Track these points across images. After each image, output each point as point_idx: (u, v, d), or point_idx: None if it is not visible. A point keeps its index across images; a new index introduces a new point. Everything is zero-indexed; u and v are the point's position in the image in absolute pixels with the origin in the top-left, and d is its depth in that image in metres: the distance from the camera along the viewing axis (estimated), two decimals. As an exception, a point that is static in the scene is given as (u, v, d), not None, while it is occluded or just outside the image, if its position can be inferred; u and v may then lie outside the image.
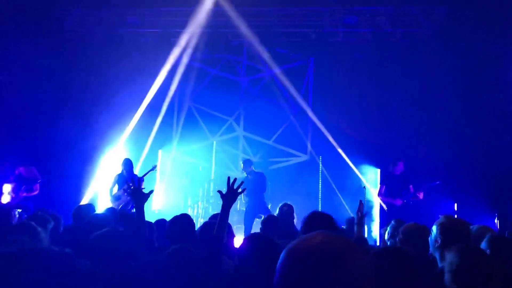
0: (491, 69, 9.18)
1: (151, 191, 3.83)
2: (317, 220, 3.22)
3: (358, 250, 1.16)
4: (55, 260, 2.00)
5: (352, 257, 1.14)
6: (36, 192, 8.51)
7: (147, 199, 3.79)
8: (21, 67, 10.06)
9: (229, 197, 3.42)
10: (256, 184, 8.69)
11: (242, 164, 9.07)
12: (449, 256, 2.55)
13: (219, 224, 3.27)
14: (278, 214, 5.40)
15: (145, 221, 3.82)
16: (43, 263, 1.95)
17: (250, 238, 2.93)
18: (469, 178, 9.06)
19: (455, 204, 9.09)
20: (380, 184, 8.59)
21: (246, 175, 8.85)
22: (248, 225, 8.45)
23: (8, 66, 10.23)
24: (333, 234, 1.19)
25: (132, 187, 3.78)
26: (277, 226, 4.59)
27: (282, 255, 1.18)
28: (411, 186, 8.22)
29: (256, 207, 8.61)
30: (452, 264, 2.49)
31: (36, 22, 10.12)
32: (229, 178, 3.49)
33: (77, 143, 10.08)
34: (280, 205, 5.62)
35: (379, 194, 8.51)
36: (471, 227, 3.72)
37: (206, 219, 9.44)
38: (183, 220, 3.88)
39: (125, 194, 8.35)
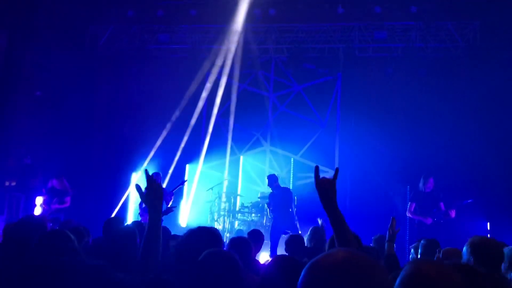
0: (526, 84, 8.93)
1: (174, 206, 3.72)
2: None
3: (380, 268, 1.15)
4: (91, 272, 2.01)
5: (373, 276, 1.12)
6: (67, 205, 8.68)
7: (163, 199, 2.95)
8: (56, 82, 10.40)
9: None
10: (282, 200, 8.61)
11: (267, 180, 9.01)
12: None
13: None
14: (309, 237, 5.18)
15: (160, 230, 2.91)
16: (80, 275, 1.96)
17: (277, 260, 2.72)
18: (503, 196, 8.77)
19: (488, 224, 8.79)
20: (410, 201, 8.38)
21: (271, 190, 8.80)
22: (274, 242, 8.37)
23: (44, 81, 10.59)
24: (354, 252, 1.17)
25: (150, 185, 2.85)
26: (301, 245, 4.53)
27: (303, 272, 1.16)
28: (442, 203, 7.99)
29: (282, 223, 8.52)
30: None
31: (72, 39, 10.49)
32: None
33: (108, 156, 10.31)
34: (311, 229, 5.41)
35: (409, 212, 8.30)
36: (504, 248, 3.58)
37: (233, 233, 9.51)
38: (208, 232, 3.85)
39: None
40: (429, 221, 7.87)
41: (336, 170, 2.74)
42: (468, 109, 9.27)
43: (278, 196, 8.61)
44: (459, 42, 10.15)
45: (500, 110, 9.06)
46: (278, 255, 2.91)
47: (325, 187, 2.52)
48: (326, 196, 2.48)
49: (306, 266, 1.17)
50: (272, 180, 8.84)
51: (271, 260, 2.80)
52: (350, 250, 1.18)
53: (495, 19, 9.15)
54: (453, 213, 7.76)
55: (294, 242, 4.60)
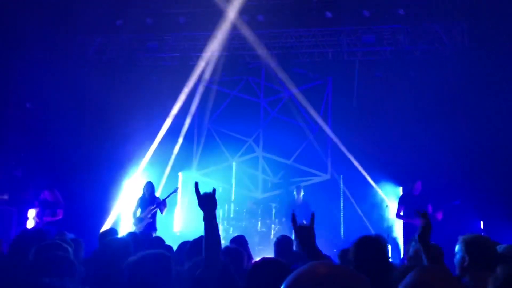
0: (514, 85, 9.03)
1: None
2: (369, 246, 2.93)
3: (364, 281, 1.11)
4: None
5: None
6: (59, 217, 8.60)
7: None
8: (46, 94, 10.33)
9: (207, 205, 2.98)
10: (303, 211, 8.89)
11: (296, 191, 9.66)
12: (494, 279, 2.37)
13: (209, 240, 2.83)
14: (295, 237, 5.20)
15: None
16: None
17: (262, 263, 2.71)
18: (496, 195, 8.83)
19: (481, 222, 8.84)
20: (398, 205, 8.41)
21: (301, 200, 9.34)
22: None
23: (34, 93, 10.52)
24: (337, 266, 1.14)
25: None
26: (290, 247, 4.51)
27: (284, 286, 1.13)
28: (430, 206, 8.04)
29: None
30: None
31: (60, 50, 10.43)
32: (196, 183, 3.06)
33: (100, 166, 10.25)
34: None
35: (397, 215, 8.34)
36: (498, 246, 3.60)
37: (227, 240, 9.48)
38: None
39: (148, 216, 8.42)
40: (417, 222, 7.89)
41: (312, 216, 2.87)
42: (458, 109, 9.34)
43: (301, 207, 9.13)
44: (447, 44, 10.25)
45: (489, 110, 9.14)
46: (264, 258, 2.89)
47: (303, 234, 2.73)
48: (305, 241, 2.70)
49: (287, 280, 1.13)
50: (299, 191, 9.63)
51: (254, 263, 2.78)
52: (332, 264, 1.15)
53: (482, 21, 9.24)
54: (439, 215, 7.81)
55: (284, 243, 4.56)
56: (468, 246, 3.06)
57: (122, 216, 10.50)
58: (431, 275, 1.19)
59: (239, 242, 4.95)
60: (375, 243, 2.95)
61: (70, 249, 3.34)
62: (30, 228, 7.27)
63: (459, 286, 1.16)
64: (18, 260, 3.35)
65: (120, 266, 3.61)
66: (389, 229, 9.14)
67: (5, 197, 9.39)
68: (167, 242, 5.30)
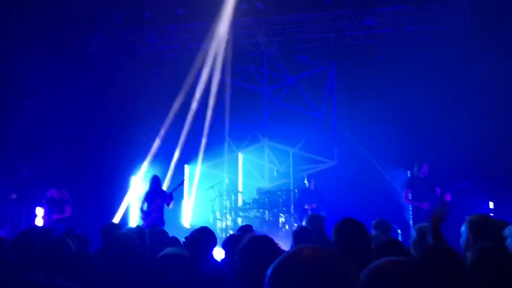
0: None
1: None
2: (349, 227, 3.10)
3: (349, 263, 1.12)
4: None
5: (343, 271, 1.09)
6: (67, 214, 8.66)
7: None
8: (49, 92, 10.35)
9: None
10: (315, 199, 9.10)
11: (307, 179, 9.74)
12: (468, 254, 2.43)
13: None
14: (307, 224, 5.27)
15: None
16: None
17: (253, 240, 2.67)
18: (505, 176, 8.75)
19: (491, 203, 8.76)
20: (405, 188, 8.34)
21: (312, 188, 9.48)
22: None
23: (36, 91, 10.54)
24: (322, 248, 1.14)
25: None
26: (310, 237, 4.50)
27: (270, 271, 1.13)
28: (437, 188, 7.97)
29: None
30: (470, 262, 2.37)
31: (61, 47, 10.42)
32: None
33: (105, 162, 10.28)
34: (308, 215, 5.53)
35: (405, 198, 8.28)
36: (508, 227, 3.55)
37: (235, 231, 9.49)
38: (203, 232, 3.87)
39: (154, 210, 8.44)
40: (425, 206, 7.85)
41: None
42: (463, 90, 9.23)
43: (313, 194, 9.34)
44: (449, 24, 10.09)
45: (494, 90, 9.02)
46: (254, 235, 2.85)
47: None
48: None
49: (273, 264, 1.13)
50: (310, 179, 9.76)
51: (247, 239, 2.73)
52: (317, 246, 1.16)
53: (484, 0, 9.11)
54: (448, 197, 7.75)
55: (303, 234, 4.57)
56: (472, 226, 3.06)
57: (130, 211, 10.55)
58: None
59: (246, 230, 4.95)
60: (354, 224, 3.09)
61: (73, 246, 3.34)
62: (34, 226, 7.31)
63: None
64: (22, 257, 3.37)
65: (126, 260, 3.62)
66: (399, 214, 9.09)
67: (14, 196, 9.46)
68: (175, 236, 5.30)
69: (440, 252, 2.44)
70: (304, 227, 4.96)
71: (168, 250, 3.43)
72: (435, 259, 2.37)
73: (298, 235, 4.56)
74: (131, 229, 5.00)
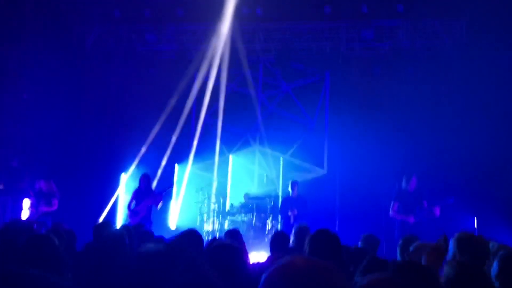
0: (512, 82, 9.04)
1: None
2: (322, 238, 3.17)
3: (340, 275, 1.14)
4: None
5: (334, 282, 1.11)
6: (54, 208, 8.59)
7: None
8: (43, 85, 10.30)
9: None
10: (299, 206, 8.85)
11: (290, 186, 9.24)
12: (445, 269, 2.48)
13: None
14: (294, 234, 5.20)
15: None
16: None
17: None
18: (490, 192, 8.85)
19: (475, 219, 8.85)
20: (393, 201, 8.37)
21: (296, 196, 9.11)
22: None
23: (32, 84, 10.48)
24: (313, 259, 1.16)
25: None
26: (286, 243, 4.50)
27: (261, 282, 1.14)
28: (425, 202, 8.00)
29: None
30: (445, 277, 2.42)
31: (58, 40, 10.38)
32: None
33: (97, 158, 10.24)
34: (296, 226, 5.48)
35: (392, 211, 8.30)
36: (491, 245, 3.61)
37: (222, 234, 9.49)
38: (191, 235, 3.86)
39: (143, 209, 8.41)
40: (411, 219, 7.84)
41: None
42: (455, 106, 9.34)
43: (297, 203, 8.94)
44: (445, 40, 10.23)
45: (486, 107, 9.15)
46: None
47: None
48: None
49: (266, 273, 1.14)
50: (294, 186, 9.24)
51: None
52: (309, 257, 1.18)
53: (481, 17, 9.22)
54: (437, 211, 7.76)
55: (280, 239, 4.56)
56: (460, 243, 3.09)
57: (118, 208, 10.50)
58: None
59: (233, 235, 4.95)
60: (328, 235, 3.18)
61: (57, 242, 3.33)
62: (17, 219, 7.24)
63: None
64: (5, 250, 3.35)
65: (114, 258, 3.61)
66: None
67: (1, 187, 9.38)
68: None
69: (415, 267, 2.46)
70: (281, 232, 4.97)
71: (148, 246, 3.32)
72: (409, 275, 2.39)
73: (274, 241, 4.56)
74: (121, 227, 5.00)
